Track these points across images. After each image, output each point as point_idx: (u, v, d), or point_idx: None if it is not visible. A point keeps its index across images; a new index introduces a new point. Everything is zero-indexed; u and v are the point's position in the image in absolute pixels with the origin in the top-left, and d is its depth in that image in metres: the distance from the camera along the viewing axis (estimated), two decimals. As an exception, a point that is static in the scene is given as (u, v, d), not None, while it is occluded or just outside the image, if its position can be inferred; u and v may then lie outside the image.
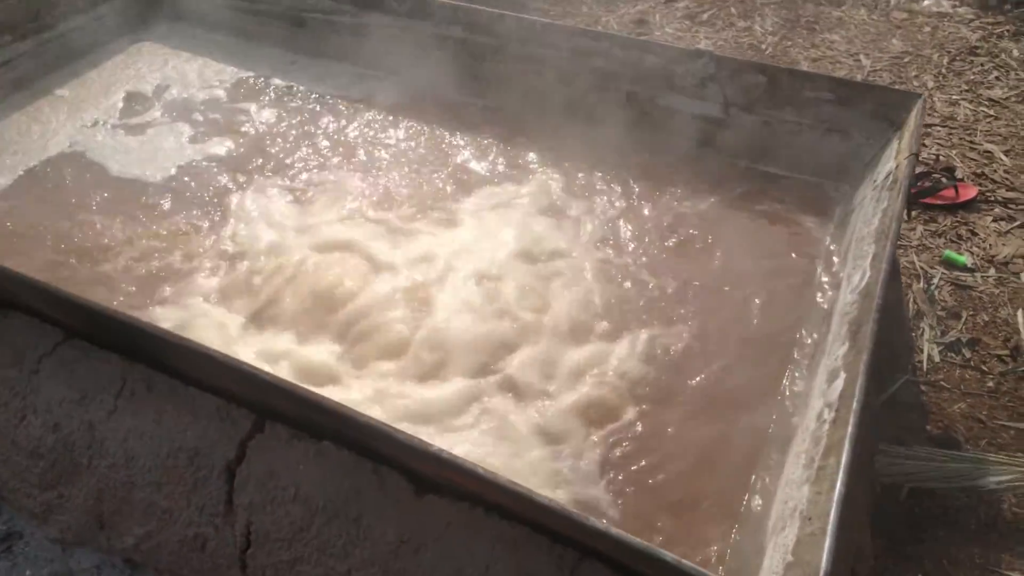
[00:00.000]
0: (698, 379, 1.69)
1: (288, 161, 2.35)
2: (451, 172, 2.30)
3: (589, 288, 1.90)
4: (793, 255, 1.98)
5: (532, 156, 2.34)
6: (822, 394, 1.39)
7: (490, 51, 2.44)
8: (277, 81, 2.70)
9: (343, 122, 2.52)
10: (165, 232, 2.09)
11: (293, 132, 2.47)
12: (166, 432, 1.49)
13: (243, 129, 2.48)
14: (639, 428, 1.60)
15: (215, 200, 2.20)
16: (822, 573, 1.02)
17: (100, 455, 1.54)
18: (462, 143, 2.41)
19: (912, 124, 1.90)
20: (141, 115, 2.56)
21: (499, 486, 1.14)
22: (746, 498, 1.44)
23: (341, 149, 2.40)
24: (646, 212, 2.14)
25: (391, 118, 2.52)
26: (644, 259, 1.99)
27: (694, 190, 2.18)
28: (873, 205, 1.80)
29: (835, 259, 1.92)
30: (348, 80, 2.71)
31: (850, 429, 1.19)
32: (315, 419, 1.38)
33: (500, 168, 2.31)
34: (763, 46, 3.70)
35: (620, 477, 1.53)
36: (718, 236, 2.05)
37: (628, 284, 1.92)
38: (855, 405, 1.22)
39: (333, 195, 2.22)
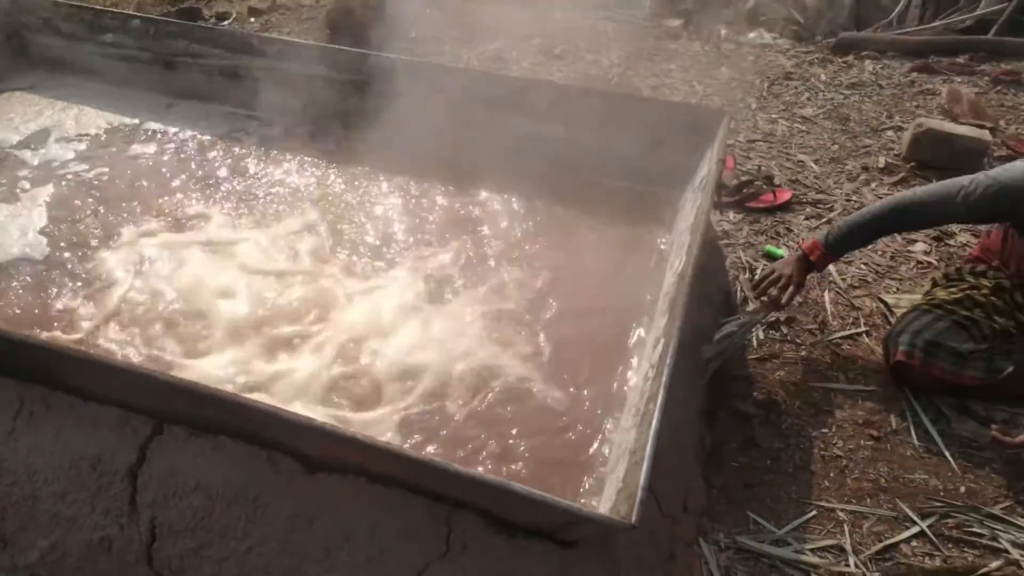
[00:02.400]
0: (557, 362, 1.96)
1: (165, 200, 2.48)
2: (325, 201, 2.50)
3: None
4: (633, 252, 2.29)
5: (397, 182, 2.57)
6: (647, 358, 1.67)
7: (355, 88, 2.66)
8: (153, 125, 2.82)
9: (218, 162, 2.66)
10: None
11: (169, 173, 2.59)
12: (67, 445, 1.61)
13: (118, 173, 2.59)
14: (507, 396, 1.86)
15: (90, 248, 2.30)
16: (640, 489, 1.27)
17: (1, 475, 1.63)
18: (335, 175, 2.61)
19: (720, 136, 2.25)
20: (12, 168, 2.62)
21: (374, 448, 1.34)
22: (593, 448, 1.70)
23: (218, 188, 2.54)
24: (503, 221, 2.41)
25: (265, 155, 2.69)
26: (516, 255, 2.27)
27: (551, 200, 2.47)
28: (691, 205, 2.13)
29: (663, 250, 2.24)
30: (221, 120, 2.87)
31: (664, 379, 1.46)
32: (210, 416, 1.54)
33: (372, 196, 2.53)
34: (609, 76, 4.10)
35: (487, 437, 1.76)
36: (570, 240, 2.34)
37: (507, 274, 2.19)
38: (668, 360, 1.50)
39: (214, 232, 2.36)
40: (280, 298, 2.13)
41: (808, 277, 2.27)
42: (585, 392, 1.87)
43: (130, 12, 3.13)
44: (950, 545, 1.89)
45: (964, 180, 2.05)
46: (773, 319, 2.46)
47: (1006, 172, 2.02)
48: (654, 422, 1.38)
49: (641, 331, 2.03)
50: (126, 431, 1.60)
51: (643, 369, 1.68)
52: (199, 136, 2.76)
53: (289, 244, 2.33)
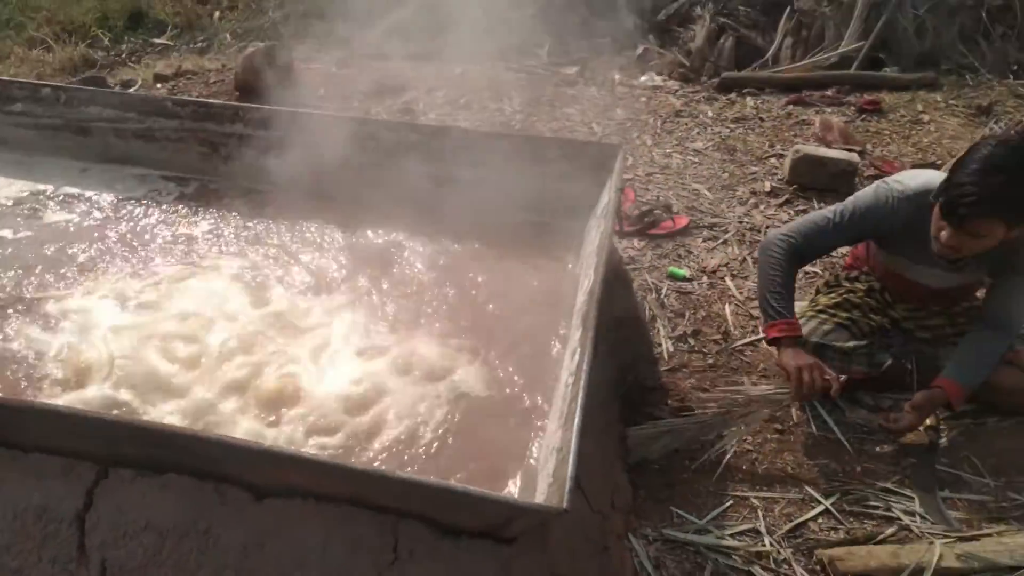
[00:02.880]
0: (491, 383, 2.09)
1: (85, 262, 2.51)
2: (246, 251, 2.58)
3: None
4: (547, 278, 2.46)
5: (319, 229, 2.69)
6: (567, 368, 1.82)
7: (273, 143, 2.77)
8: (68, 190, 2.85)
9: (136, 222, 2.71)
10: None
11: (85, 236, 2.62)
12: (9, 497, 1.63)
13: (33, 239, 2.60)
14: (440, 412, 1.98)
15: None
16: (568, 479, 1.40)
17: (-58, 535, 1.63)
18: (256, 226, 2.70)
19: (616, 168, 2.46)
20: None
21: (322, 464, 1.44)
22: (524, 453, 1.84)
23: (137, 248, 2.59)
24: (424, 257, 2.54)
25: (183, 213, 2.76)
26: (437, 287, 2.41)
27: (468, 236, 2.62)
28: (595, 231, 2.32)
29: (574, 273, 2.42)
30: (137, 182, 2.92)
31: (583, 383, 1.60)
32: (155, 455, 1.60)
33: (297, 242, 2.63)
34: (513, 122, 4.33)
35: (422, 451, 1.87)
36: (488, 270, 2.49)
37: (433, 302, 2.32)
38: (585, 366, 1.65)
39: (136, 290, 2.41)
40: (212, 347, 2.19)
41: (707, 291, 2.48)
42: (512, 404, 2.00)
43: (35, 81, 3.16)
44: (851, 519, 2.09)
45: (828, 212, 2.31)
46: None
47: (861, 199, 2.28)
48: (576, 419, 1.52)
49: (558, 345, 2.19)
50: (70, 478, 1.63)
51: (564, 378, 1.83)
52: (115, 198, 2.81)
53: (214, 294, 2.39)
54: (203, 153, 2.79)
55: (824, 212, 2.34)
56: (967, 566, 1.92)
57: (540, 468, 1.69)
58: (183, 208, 2.77)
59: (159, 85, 4.94)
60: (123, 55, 5.96)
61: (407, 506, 1.54)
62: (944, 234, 2.01)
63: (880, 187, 2.28)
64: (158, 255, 2.56)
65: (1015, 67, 4.91)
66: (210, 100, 2.69)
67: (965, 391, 2.19)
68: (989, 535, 2.01)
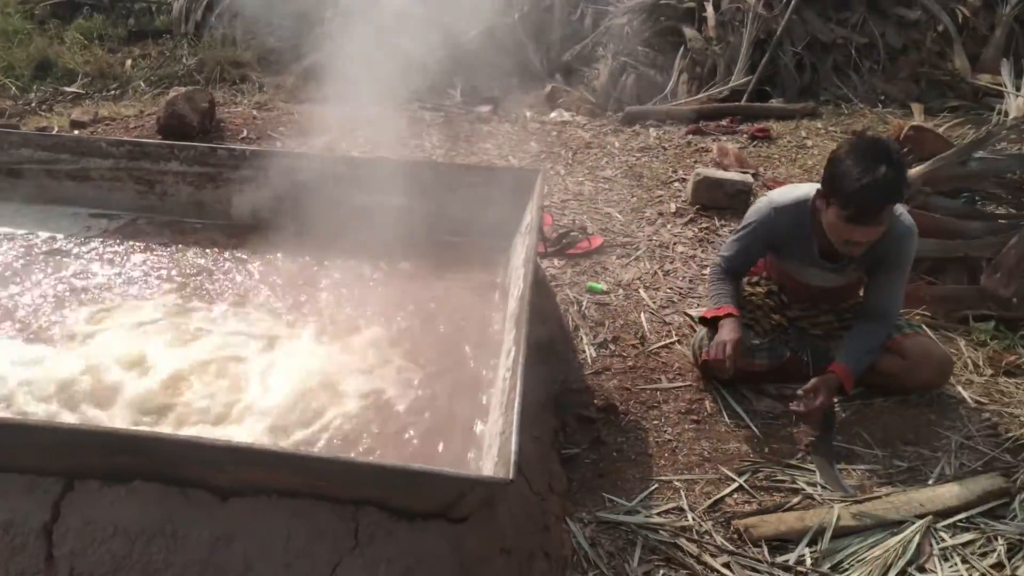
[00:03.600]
0: (427, 381, 2.25)
1: (15, 305, 2.55)
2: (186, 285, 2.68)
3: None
4: (479, 291, 2.65)
5: (259, 257, 2.80)
6: (504, 365, 2.01)
7: (207, 178, 2.88)
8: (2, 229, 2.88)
9: (71, 262, 2.76)
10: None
11: (19, 279, 2.66)
12: (-26, 517, 1.68)
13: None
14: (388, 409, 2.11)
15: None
16: (513, 453, 1.58)
17: (-96, 559, 1.67)
18: (198, 259, 2.80)
19: (537, 189, 2.68)
20: None
21: (285, 456, 1.57)
22: (466, 443, 2.00)
23: (72, 285, 2.64)
24: (361, 278, 2.69)
25: (118, 250, 2.83)
26: (377, 305, 2.56)
27: (400, 258, 2.79)
28: (521, 246, 2.53)
29: (503, 285, 2.61)
30: (71, 221, 2.97)
31: (519, 374, 1.78)
32: (121, 463, 1.68)
33: (240, 274, 2.74)
34: (434, 157, 4.54)
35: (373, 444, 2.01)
36: (423, 288, 2.66)
37: (371, 318, 2.45)
38: (521, 360, 1.83)
39: (75, 327, 2.46)
40: (154, 374, 2.26)
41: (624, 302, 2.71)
42: (455, 402, 2.17)
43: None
44: (762, 492, 2.33)
45: (735, 233, 2.69)
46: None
47: (748, 216, 2.65)
48: (516, 404, 1.70)
49: (496, 349, 2.37)
50: (37, 493, 1.70)
51: (502, 372, 2.01)
52: (48, 236, 2.85)
53: (152, 326, 2.47)
54: (139, 191, 2.88)
55: (733, 234, 2.71)
56: (861, 523, 2.17)
57: (485, 453, 1.86)
58: (116, 243, 2.83)
59: (76, 131, 4.93)
60: (32, 104, 5.90)
61: (364, 494, 1.67)
62: (858, 234, 2.30)
63: (761, 202, 2.64)
64: (91, 290, 2.62)
65: (882, 97, 5.46)
66: (144, 140, 2.78)
67: (854, 374, 2.49)
68: (879, 497, 2.28)
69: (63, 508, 1.69)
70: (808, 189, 2.53)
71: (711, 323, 2.63)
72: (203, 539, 1.66)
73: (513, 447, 1.58)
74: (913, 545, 2.12)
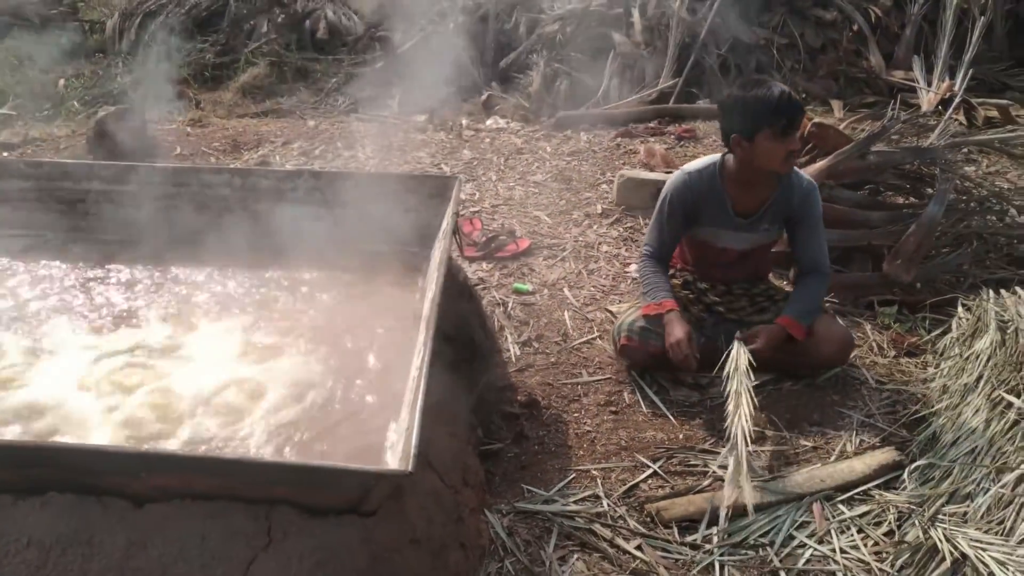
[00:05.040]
0: (345, 380, 2.31)
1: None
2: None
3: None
4: (402, 293, 2.71)
5: (188, 272, 2.84)
6: (415, 365, 2.08)
7: (128, 196, 2.91)
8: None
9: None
10: None
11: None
12: None
13: None
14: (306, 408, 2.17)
15: None
16: (413, 447, 1.65)
17: None
18: (117, 274, 2.82)
19: (454, 195, 2.76)
20: None
21: (196, 459, 1.62)
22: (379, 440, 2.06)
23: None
24: (287, 290, 2.75)
25: (43, 269, 2.84)
26: (300, 314, 2.62)
27: (323, 268, 2.84)
28: (438, 251, 2.61)
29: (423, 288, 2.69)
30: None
31: (424, 372, 1.86)
32: (32, 476, 1.72)
33: (142, 286, 2.76)
34: (366, 167, 4.60)
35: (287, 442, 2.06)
36: (345, 295, 2.71)
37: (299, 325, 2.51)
38: (426, 357, 1.91)
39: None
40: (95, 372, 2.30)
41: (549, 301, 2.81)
42: (369, 399, 2.23)
43: None
44: (676, 477, 2.45)
45: (658, 212, 2.85)
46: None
47: (665, 190, 2.84)
48: (419, 402, 1.77)
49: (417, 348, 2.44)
50: (-52, 510, 1.73)
51: (412, 372, 2.08)
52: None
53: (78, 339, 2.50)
54: (61, 211, 2.89)
55: (652, 220, 2.88)
56: (765, 501, 2.30)
57: (391, 445, 1.94)
58: (43, 264, 2.84)
59: (5, 154, 4.89)
60: (-39, 127, 5.83)
61: (274, 493, 1.74)
62: (792, 143, 2.52)
63: (672, 176, 2.85)
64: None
65: (804, 95, 5.67)
66: (65, 160, 2.79)
67: (799, 321, 2.69)
68: (784, 476, 2.41)
69: (-24, 524, 1.72)
70: (710, 158, 2.80)
71: (653, 319, 2.76)
72: (118, 545, 1.70)
73: (414, 440, 1.66)
74: (811, 519, 2.25)
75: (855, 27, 5.84)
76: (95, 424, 2.16)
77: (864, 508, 2.29)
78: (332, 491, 1.74)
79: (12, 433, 2.07)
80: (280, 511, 1.75)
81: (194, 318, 2.63)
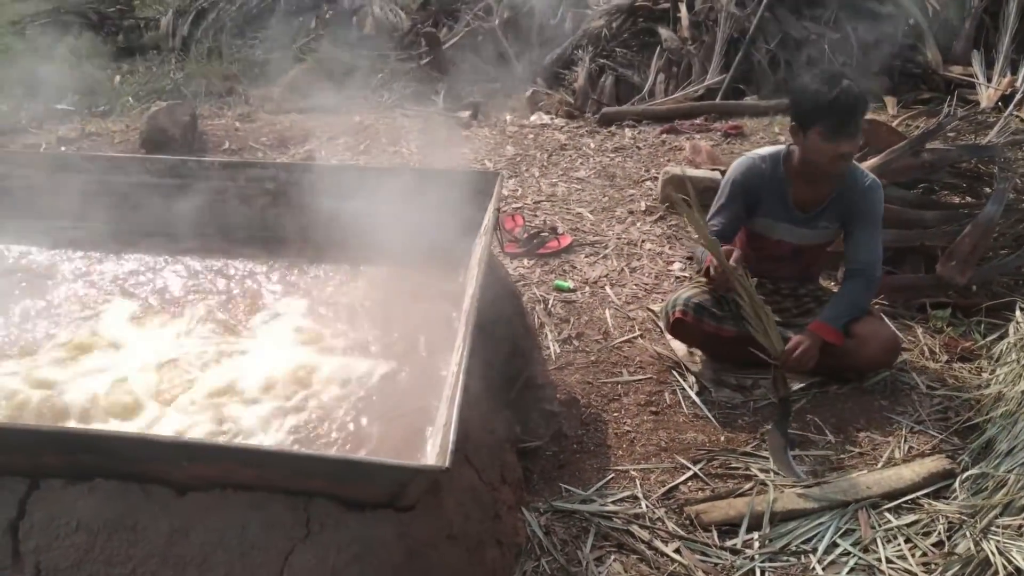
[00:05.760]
0: (392, 373, 2.32)
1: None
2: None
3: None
4: (443, 288, 2.71)
5: (229, 263, 2.89)
6: (454, 360, 2.08)
7: (176, 190, 2.97)
8: (-22, 245, 2.97)
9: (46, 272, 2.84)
10: None
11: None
12: (-59, 516, 1.76)
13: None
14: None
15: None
16: (451, 443, 1.65)
17: None
18: (174, 264, 2.89)
19: (496, 191, 2.76)
20: None
21: (240, 451, 1.65)
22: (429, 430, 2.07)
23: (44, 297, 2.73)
24: (336, 281, 2.78)
25: (96, 259, 2.92)
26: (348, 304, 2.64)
27: (369, 260, 2.86)
28: (479, 247, 2.61)
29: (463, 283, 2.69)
30: (42, 235, 3.05)
31: (463, 368, 1.86)
32: (81, 463, 1.77)
33: (194, 277, 2.81)
34: (410, 163, 4.63)
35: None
36: (391, 287, 2.73)
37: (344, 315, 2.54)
38: (465, 353, 1.91)
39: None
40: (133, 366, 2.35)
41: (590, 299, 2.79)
42: (409, 393, 2.23)
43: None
44: (716, 480, 2.41)
45: (721, 195, 2.78)
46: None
47: (730, 171, 2.79)
48: (457, 398, 1.78)
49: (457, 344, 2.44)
50: (3, 493, 1.78)
51: (452, 367, 2.08)
52: (23, 249, 2.94)
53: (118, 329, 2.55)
54: (112, 203, 2.96)
55: (714, 204, 2.80)
56: (808, 507, 2.25)
57: (431, 446, 1.94)
58: (98, 255, 2.91)
59: (63, 148, 5.04)
60: (22, 122, 6.01)
61: (313, 486, 1.76)
62: (844, 146, 2.44)
63: (742, 157, 2.79)
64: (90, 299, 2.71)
65: (857, 91, 5.52)
66: (117, 154, 2.86)
67: (832, 324, 2.61)
68: (828, 482, 2.35)
69: (28, 506, 1.77)
70: (778, 146, 2.75)
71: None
72: (161, 531, 1.74)
73: (452, 436, 1.66)
74: (856, 527, 2.19)
75: (911, 21, 5.68)
76: (152, 411, 2.21)
77: (912, 517, 2.22)
78: (369, 485, 1.75)
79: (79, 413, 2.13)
80: (318, 504, 1.77)
81: (240, 312, 2.67)
